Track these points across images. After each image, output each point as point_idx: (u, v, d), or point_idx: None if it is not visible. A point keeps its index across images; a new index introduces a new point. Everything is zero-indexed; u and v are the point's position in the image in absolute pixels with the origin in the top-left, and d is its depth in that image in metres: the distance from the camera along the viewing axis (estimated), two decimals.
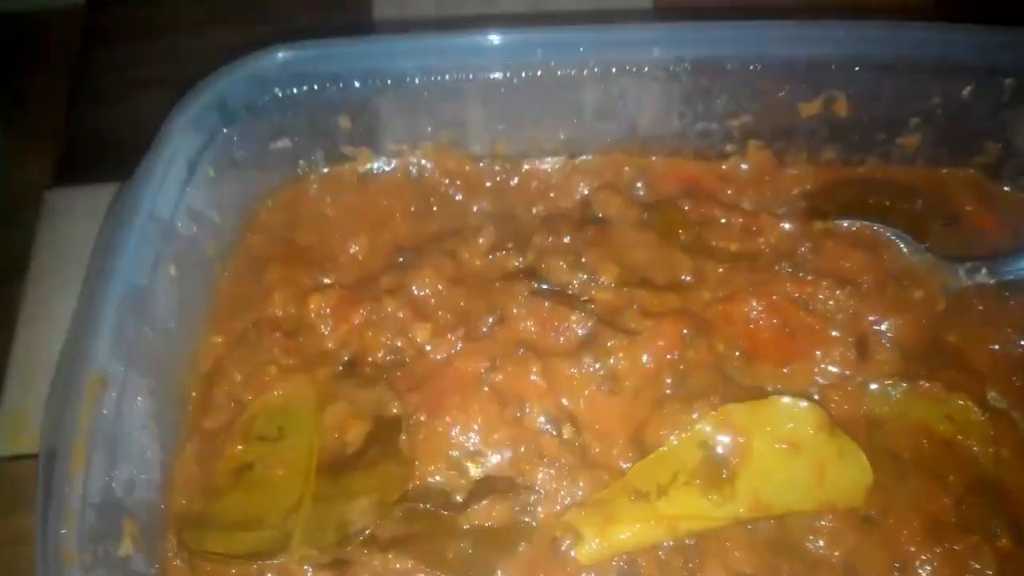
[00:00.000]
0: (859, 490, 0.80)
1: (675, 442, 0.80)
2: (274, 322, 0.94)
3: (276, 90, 0.98)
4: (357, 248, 1.02)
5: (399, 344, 0.91)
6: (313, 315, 0.93)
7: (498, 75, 0.99)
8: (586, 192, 1.08)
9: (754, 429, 0.79)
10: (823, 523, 0.80)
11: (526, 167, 1.09)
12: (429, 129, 1.05)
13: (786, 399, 0.80)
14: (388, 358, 0.91)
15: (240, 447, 0.84)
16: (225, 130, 0.96)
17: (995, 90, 0.98)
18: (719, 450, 0.79)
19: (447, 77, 0.99)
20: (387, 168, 1.08)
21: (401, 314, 0.92)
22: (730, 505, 0.78)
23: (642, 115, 1.04)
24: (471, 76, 0.99)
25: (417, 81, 0.99)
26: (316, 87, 0.98)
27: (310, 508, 0.78)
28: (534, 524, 0.80)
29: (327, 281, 0.99)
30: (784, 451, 0.79)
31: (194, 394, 0.91)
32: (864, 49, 0.97)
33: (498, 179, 1.08)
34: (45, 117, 1.38)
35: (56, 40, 1.45)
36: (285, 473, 0.82)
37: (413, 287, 0.95)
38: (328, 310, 0.93)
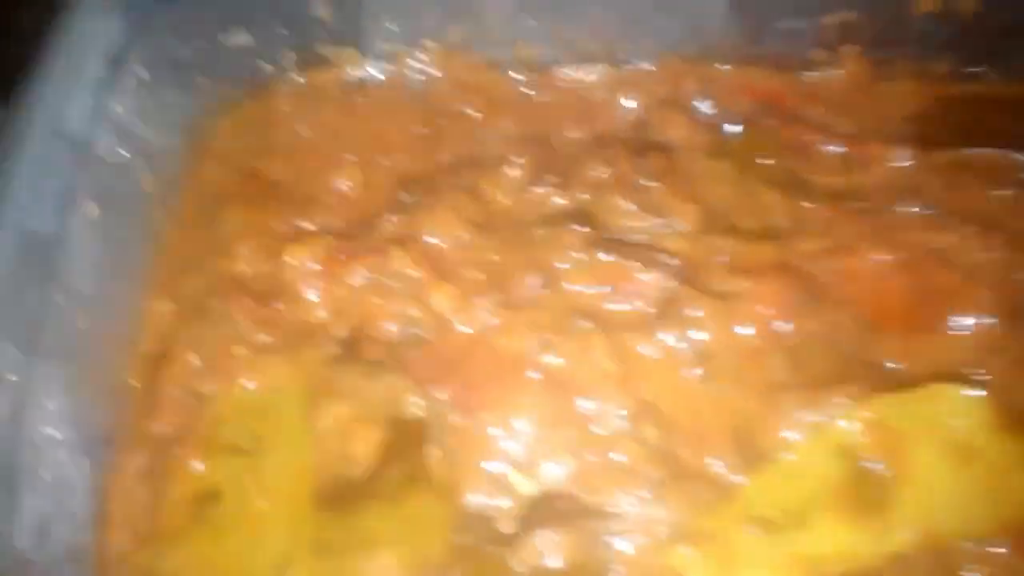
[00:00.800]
0: None
1: (801, 449, 0.63)
2: (240, 283, 0.73)
3: None
4: (349, 184, 0.81)
5: (414, 314, 0.69)
6: (293, 274, 0.72)
7: None
8: (637, 110, 0.87)
9: (912, 431, 0.63)
10: (993, 550, 0.61)
11: (561, 77, 0.89)
12: (432, 22, 0.87)
13: (952, 388, 0.64)
14: (404, 331, 0.70)
15: (201, 464, 0.62)
16: (160, 15, 0.75)
17: None
18: (867, 461, 0.62)
19: None
20: (380, 76, 0.88)
21: (416, 273, 0.69)
22: (890, 537, 0.61)
23: (710, 7, 0.85)
24: None
25: None
26: None
27: (309, 564, 0.56)
28: (618, 567, 0.60)
29: (309, 227, 0.78)
30: (953, 458, 0.63)
31: (134, 385, 0.69)
32: None
33: (525, 92, 0.88)
34: None
35: None
36: (268, 506, 0.61)
37: (424, 235, 0.74)
38: (316, 267, 0.72)
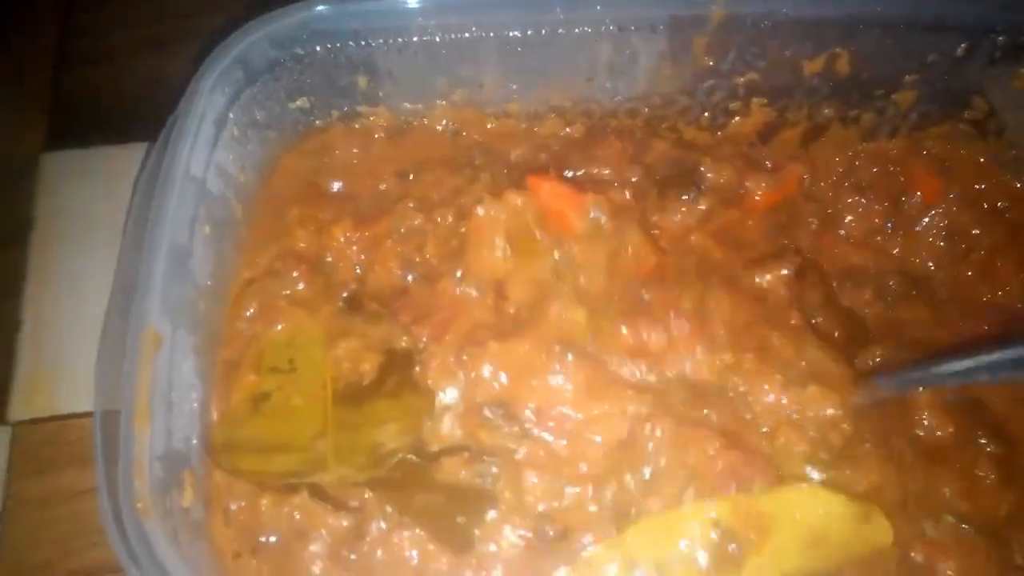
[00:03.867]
0: (878, 547, 0.78)
1: (687, 517, 0.75)
2: (298, 254, 0.96)
3: (297, 48, 0.99)
4: (385, 186, 1.05)
5: (415, 259, 0.95)
6: (334, 242, 0.96)
7: (516, 33, 1.01)
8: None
9: (778, 514, 0.75)
10: None
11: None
12: (444, 87, 1.07)
13: (819, 491, 0.76)
14: (394, 287, 0.93)
15: (253, 377, 0.87)
16: (249, 89, 0.97)
17: (986, 49, 1.02)
18: (733, 535, 0.74)
19: (466, 35, 1.00)
20: (400, 123, 1.10)
21: (416, 222, 0.96)
22: None
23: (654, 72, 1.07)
24: (490, 34, 1.00)
25: (437, 39, 1.00)
26: (337, 45, 0.99)
27: (336, 433, 0.81)
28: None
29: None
30: (806, 541, 0.75)
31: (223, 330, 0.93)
32: (869, 8, 1.00)
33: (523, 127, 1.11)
34: (34, 80, 1.36)
35: (43, 2, 1.41)
36: (303, 401, 0.84)
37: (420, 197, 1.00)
38: (354, 235, 0.96)
